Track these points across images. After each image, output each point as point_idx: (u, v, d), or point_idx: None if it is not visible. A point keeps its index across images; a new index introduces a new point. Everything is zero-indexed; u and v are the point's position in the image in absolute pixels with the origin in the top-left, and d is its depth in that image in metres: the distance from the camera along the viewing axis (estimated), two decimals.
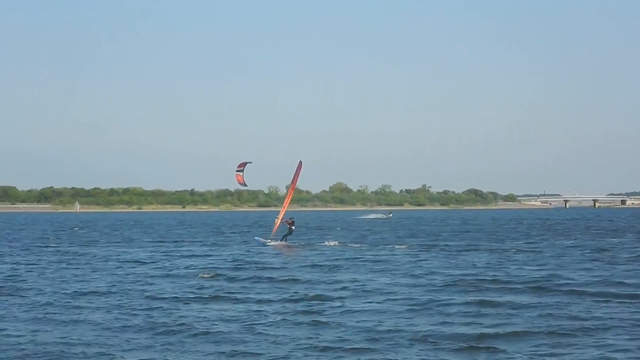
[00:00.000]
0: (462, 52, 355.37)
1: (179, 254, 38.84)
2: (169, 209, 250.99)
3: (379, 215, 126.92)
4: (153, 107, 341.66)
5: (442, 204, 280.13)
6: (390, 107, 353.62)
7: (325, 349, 14.28)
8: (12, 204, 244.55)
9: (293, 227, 44.29)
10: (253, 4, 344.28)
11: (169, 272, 28.90)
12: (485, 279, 24.66)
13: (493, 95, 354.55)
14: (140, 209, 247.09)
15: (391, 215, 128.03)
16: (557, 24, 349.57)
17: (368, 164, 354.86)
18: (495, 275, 25.77)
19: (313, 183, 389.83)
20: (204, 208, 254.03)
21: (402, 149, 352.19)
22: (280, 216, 44.91)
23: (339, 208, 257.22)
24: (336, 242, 46.39)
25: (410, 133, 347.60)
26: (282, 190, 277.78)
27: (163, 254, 39.26)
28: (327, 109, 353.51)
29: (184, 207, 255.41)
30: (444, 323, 16.68)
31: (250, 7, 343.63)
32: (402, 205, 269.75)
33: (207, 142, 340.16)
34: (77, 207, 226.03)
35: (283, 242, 44.10)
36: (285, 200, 45.90)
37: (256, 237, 49.58)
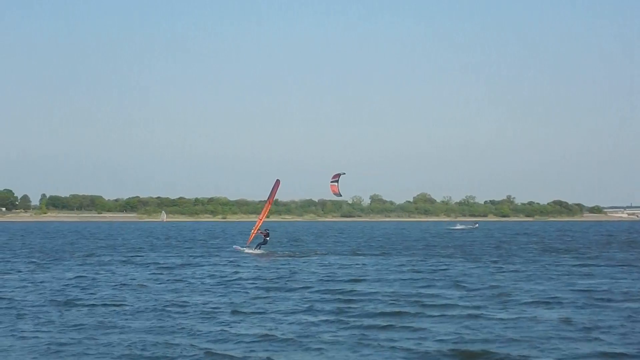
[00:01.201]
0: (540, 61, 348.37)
1: (236, 264, 39.48)
2: (253, 218, 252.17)
3: (467, 226, 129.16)
4: (239, 117, 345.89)
5: (527, 215, 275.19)
6: (474, 118, 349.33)
7: None
8: (99, 213, 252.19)
9: (267, 238, 48.27)
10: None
11: (220, 280, 29.39)
12: None
13: (578, 105, 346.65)
14: (225, 218, 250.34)
15: (477, 225, 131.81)
16: None
17: (452, 174, 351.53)
18: None
19: (397, 193, 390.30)
20: (288, 218, 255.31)
21: (486, 160, 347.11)
22: (257, 227, 48.36)
23: (422, 219, 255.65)
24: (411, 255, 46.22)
25: (493, 144, 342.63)
26: (366, 201, 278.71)
27: (224, 264, 39.52)
28: (409, 122, 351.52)
29: (268, 217, 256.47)
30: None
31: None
32: (486, 216, 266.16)
33: (292, 152, 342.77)
34: (164, 217, 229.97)
35: (258, 250, 47.98)
36: (262, 214, 48.98)
37: (234, 246, 52.96)
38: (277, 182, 48.44)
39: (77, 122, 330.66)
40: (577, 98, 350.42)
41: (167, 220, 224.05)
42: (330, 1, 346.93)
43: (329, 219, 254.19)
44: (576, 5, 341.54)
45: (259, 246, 48.09)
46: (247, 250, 48.31)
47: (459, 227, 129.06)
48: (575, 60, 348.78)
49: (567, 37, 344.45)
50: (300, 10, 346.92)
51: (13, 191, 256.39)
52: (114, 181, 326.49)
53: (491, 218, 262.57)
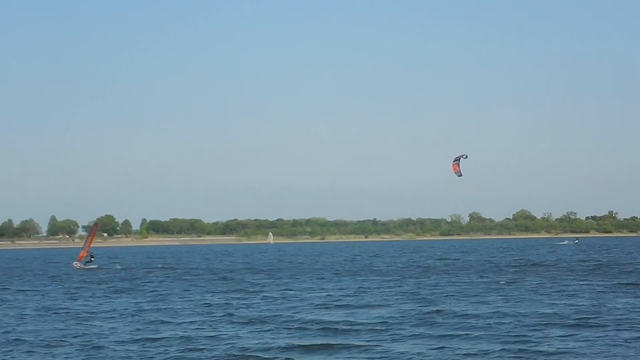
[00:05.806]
0: None
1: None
2: (352, 238, 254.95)
3: (568, 242, 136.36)
4: (337, 141, 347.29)
5: (631, 231, 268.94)
6: (574, 135, 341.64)
7: None
8: (199, 236, 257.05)
9: (93, 259, 68.00)
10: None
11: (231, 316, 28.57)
12: None
13: None
14: (324, 239, 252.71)
15: (577, 241, 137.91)
16: None
17: (552, 191, 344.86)
18: None
19: (496, 211, 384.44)
20: (387, 237, 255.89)
21: (587, 176, 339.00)
22: (86, 250, 67.10)
23: (522, 236, 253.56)
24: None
25: (594, 160, 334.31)
26: (465, 219, 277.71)
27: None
28: (508, 139, 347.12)
29: (366, 237, 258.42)
30: None
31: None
32: (588, 232, 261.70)
33: (388, 171, 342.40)
34: (271, 238, 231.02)
35: (83, 266, 66.49)
36: (88, 244, 67.21)
37: (74, 263, 69.36)
38: (95, 225, 76.39)
39: (175, 147, 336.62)
40: None
41: (274, 242, 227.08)
42: None
43: (427, 237, 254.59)
44: None
45: (86, 264, 66.72)
46: (78, 265, 67.03)
47: (565, 242, 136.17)
48: None
49: None
50: None
51: (114, 217, 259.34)
52: (213, 204, 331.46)
53: (593, 234, 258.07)
